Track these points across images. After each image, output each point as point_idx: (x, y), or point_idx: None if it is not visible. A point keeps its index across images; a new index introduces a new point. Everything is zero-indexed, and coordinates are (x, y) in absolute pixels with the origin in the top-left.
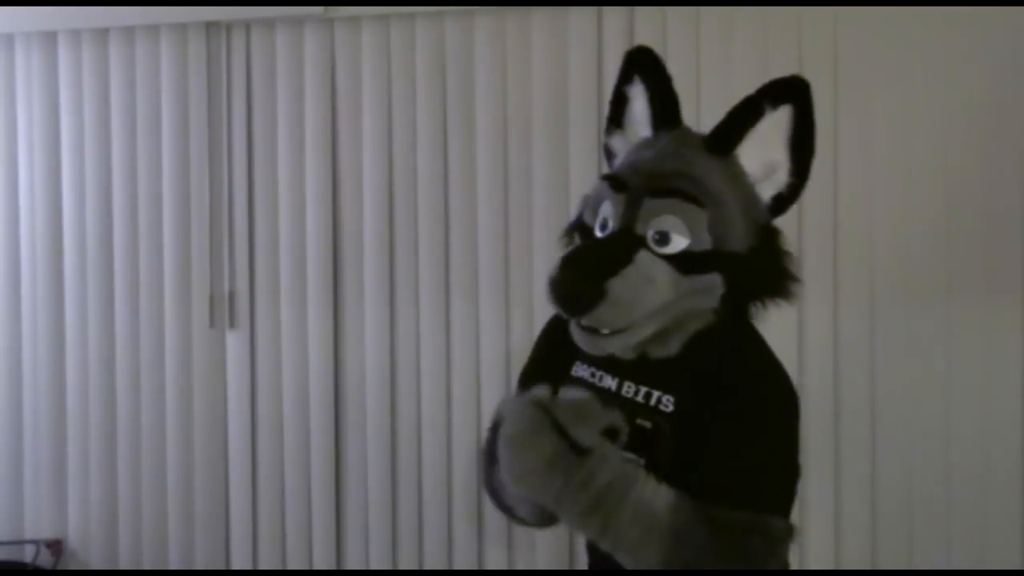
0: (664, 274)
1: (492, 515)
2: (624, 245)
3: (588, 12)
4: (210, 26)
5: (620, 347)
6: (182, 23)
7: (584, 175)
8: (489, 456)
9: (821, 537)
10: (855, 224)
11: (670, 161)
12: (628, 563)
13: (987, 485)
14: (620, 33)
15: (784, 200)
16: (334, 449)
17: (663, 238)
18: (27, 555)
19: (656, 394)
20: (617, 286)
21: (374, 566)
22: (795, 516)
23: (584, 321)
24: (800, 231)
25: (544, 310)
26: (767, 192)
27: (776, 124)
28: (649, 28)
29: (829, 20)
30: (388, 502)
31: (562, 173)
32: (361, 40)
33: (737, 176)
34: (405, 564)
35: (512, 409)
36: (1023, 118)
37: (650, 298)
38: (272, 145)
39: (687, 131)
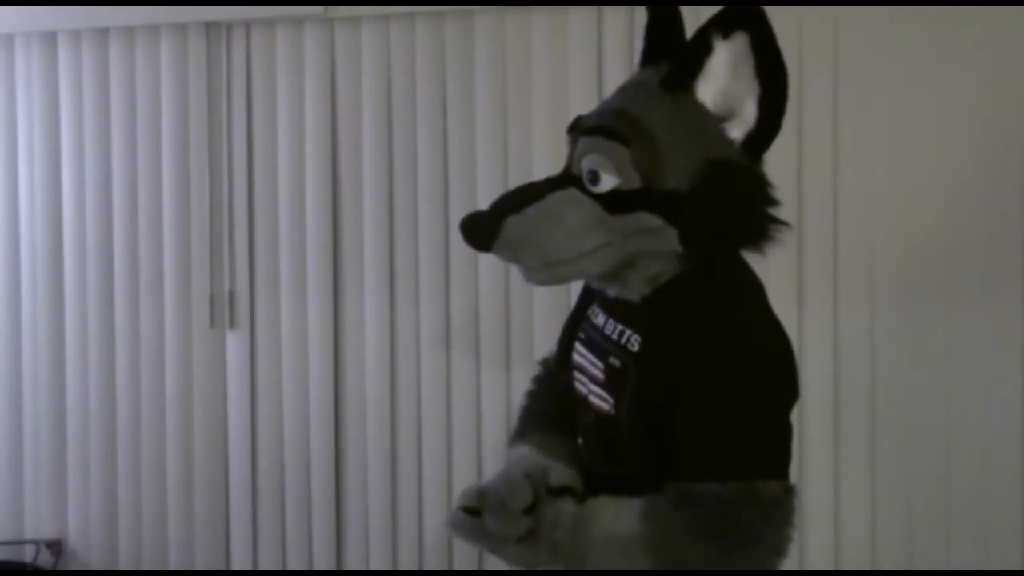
0: (583, 212)
1: None
2: (550, 184)
3: (588, 12)
4: (210, 26)
5: (548, 281)
6: (182, 23)
7: None
8: (523, 408)
9: (821, 537)
10: (855, 224)
11: (616, 100)
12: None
13: (987, 485)
14: (620, 33)
15: (756, 138)
16: (334, 449)
17: (594, 177)
18: (27, 555)
19: (628, 333)
20: (512, 224)
21: (374, 566)
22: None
23: (499, 256)
24: (800, 231)
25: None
26: (737, 129)
27: (732, 55)
28: None
29: (829, 20)
30: (388, 502)
31: None
32: (361, 40)
33: (688, 111)
34: (405, 564)
35: (453, 525)
36: (1023, 118)
37: (556, 236)
38: (272, 145)
39: (652, 69)
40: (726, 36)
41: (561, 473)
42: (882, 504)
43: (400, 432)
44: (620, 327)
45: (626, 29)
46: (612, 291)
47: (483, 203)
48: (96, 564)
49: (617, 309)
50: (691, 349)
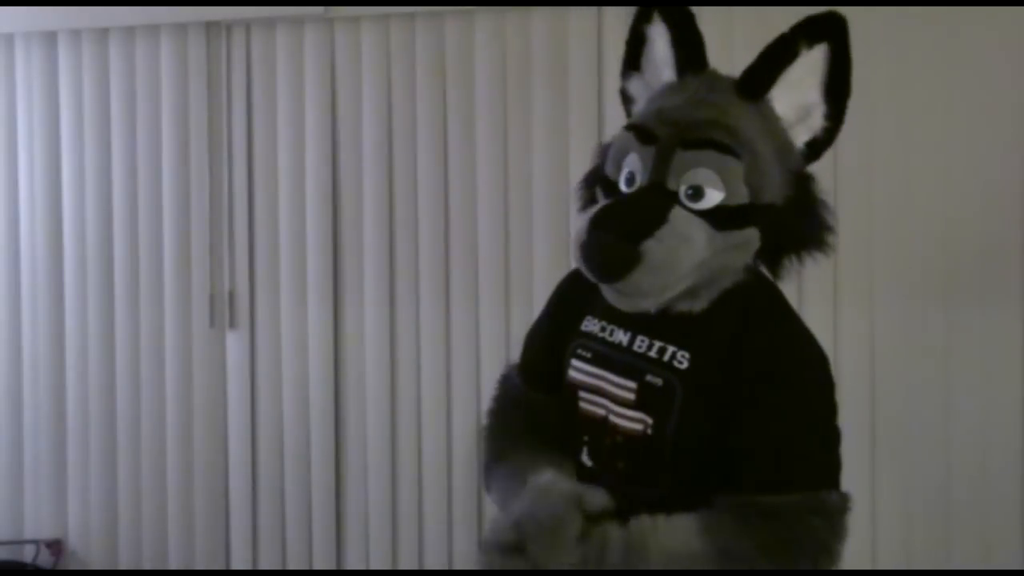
0: (700, 231)
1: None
2: (657, 202)
3: (588, 12)
4: (210, 26)
5: (653, 306)
6: (182, 23)
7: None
8: (491, 433)
9: None
10: (855, 224)
11: (701, 109)
12: None
13: (987, 485)
14: (620, 33)
15: (819, 145)
16: (334, 449)
17: (697, 192)
18: (27, 555)
19: (671, 349)
20: (653, 248)
21: (374, 566)
22: None
23: (619, 286)
24: None
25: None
26: (801, 137)
27: (810, 65)
28: None
29: None
30: (388, 502)
31: (562, 173)
32: (361, 40)
33: (771, 122)
34: (405, 564)
35: (493, 564)
36: (1023, 118)
37: (687, 258)
38: (272, 145)
39: (715, 74)
40: (810, 45)
41: (595, 496)
42: (882, 505)
43: (400, 432)
44: (659, 344)
45: (626, 29)
46: (660, 306)
47: (483, 203)
48: (96, 564)
49: (649, 325)
50: (752, 362)
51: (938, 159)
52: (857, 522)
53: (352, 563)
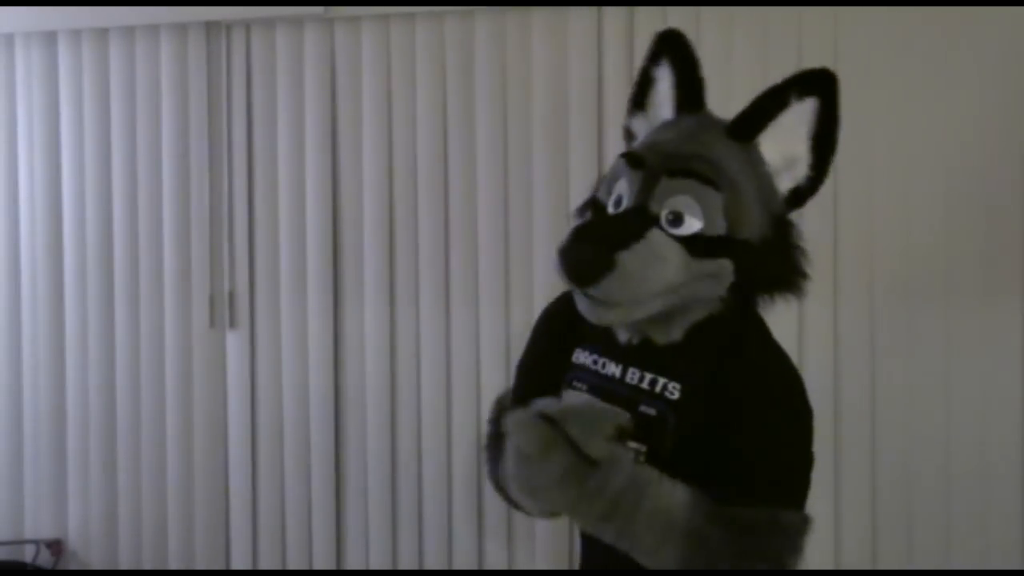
0: (675, 254)
1: (492, 514)
2: (637, 221)
3: (588, 12)
4: (210, 26)
5: (621, 320)
6: (182, 23)
7: (584, 175)
8: (492, 451)
9: (821, 537)
10: (855, 224)
11: (689, 143)
12: (646, 563)
13: (987, 485)
14: (620, 33)
15: (802, 194)
16: (334, 449)
17: (677, 218)
18: (27, 555)
19: (662, 381)
20: (627, 259)
21: (374, 566)
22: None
23: (591, 292)
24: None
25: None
26: (785, 184)
27: (800, 116)
28: (649, 28)
29: (829, 20)
30: (388, 502)
31: (562, 173)
32: (361, 40)
33: (756, 164)
34: (405, 564)
35: (520, 424)
36: (1023, 118)
37: (659, 275)
38: (272, 145)
39: (709, 115)
40: (801, 97)
41: (625, 418)
42: (882, 504)
43: (400, 432)
44: (650, 375)
45: (626, 29)
46: (635, 337)
47: (483, 203)
48: (96, 564)
49: (639, 357)
50: (734, 388)
51: (937, 159)
52: (857, 522)
53: (352, 563)
